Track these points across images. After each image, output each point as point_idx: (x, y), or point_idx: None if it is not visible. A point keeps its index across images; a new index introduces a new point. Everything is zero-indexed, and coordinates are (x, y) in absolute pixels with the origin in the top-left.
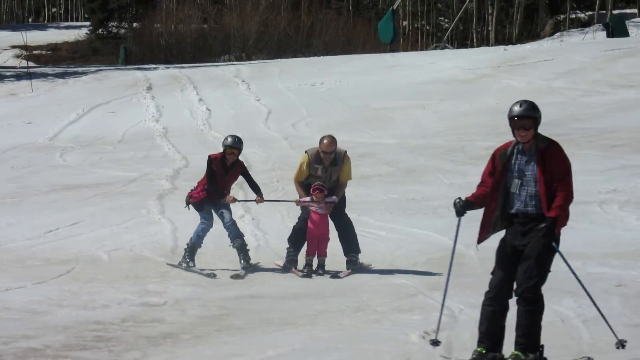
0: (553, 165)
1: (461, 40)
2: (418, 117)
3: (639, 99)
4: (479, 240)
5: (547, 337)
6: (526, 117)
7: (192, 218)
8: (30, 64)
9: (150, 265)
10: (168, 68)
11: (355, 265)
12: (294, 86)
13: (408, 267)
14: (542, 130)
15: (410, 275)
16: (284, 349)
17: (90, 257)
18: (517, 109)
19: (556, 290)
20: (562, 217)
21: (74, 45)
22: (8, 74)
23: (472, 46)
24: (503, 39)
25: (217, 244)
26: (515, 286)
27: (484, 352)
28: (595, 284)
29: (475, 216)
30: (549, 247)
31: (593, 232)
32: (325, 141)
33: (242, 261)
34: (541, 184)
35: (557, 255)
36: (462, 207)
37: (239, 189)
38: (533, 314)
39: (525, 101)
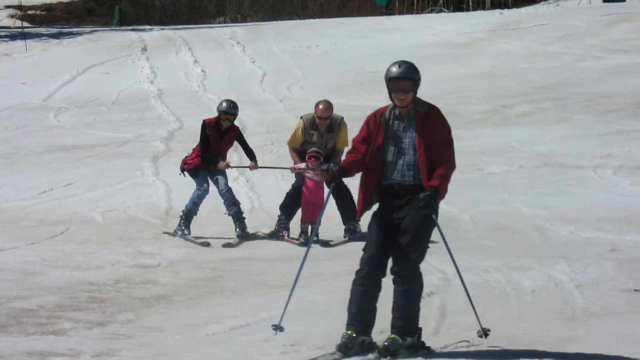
0: (434, 132)
1: (457, 3)
2: None
3: (634, 64)
4: (358, 215)
5: (541, 301)
6: (405, 78)
7: (186, 180)
8: (25, 24)
9: (144, 227)
10: (163, 29)
11: (354, 234)
12: (289, 48)
13: None
14: (539, 94)
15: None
16: (277, 311)
17: (84, 218)
18: (395, 69)
19: (549, 254)
20: (444, 188)
21: (68, 5)
22: (2, 34)
23: (467, 10)
24: (499, 3)
25: (211, 208)
26: (391, 264)
27: (354, 335)
28: (589, 248)
29: (470, 180)
30: (429, 220)
31: (587, 197)
32: (320, 106)
33: (237, 229)
34: (420, 152)
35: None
36: (338, 173)
37: (233, 151)
38: (411, 293)
39: (404, 62)
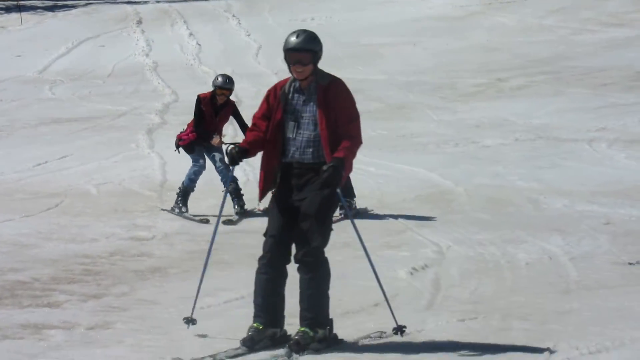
0: (337, 106)
1: None
2: (408, 54)
3: (629, 37)
4: (260, 197)
5: (535, 274)
6: (303, 50)
7: (181, 153)
8: None
9: (139, 199)
10: (158, 2)
11: (350, 211)
12: (284, 21)
13: (396, 204)
14: (534, 67)
15: (398, 211)
16: None
17: (79, 190)
18: (293, 40)
19: (544, 227)
20: (349, 162)
21: None
22: None
23: None
24: None
25: (206, 180)
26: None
27: (260, 327)
28: (583, 221)
29: (465, 152)
30: (331, 201)
31: (582, 170)
32: None
33: (235, 206)
34: (322, 128)
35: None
36: (237, 154)
37: (228, 125)
38: (317, 282)
39: (304, 31)
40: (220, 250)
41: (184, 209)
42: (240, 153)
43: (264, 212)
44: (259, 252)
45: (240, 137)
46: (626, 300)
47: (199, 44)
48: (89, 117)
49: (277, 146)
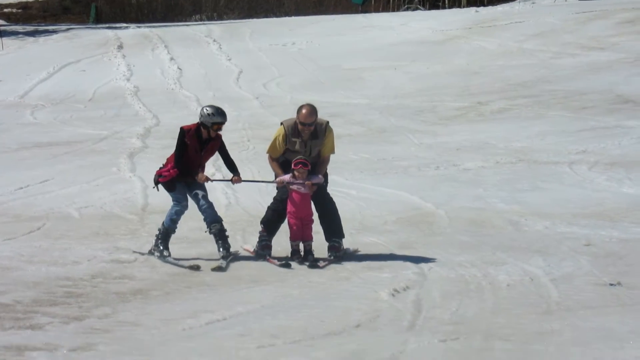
0: None
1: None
2: (389, 78)
3: (610, 61)
4: None
5: (516, 295)
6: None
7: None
8: (1, 22)
9: (121, 222)
10: (139, 27)
11: (338, 252)
12: (265, 46)
13: (378, 226)
14: (514, 91)
15: (380, 234)
16: (254, 305)
17: (61, 214)
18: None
19: (525, 249)
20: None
21: (44, 3)
22: None
23: (443, 7)
24: (475, 1)
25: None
26: None
27: None
28: (564, 243)
29: (446, 175)
30: None
31: (562, 193)
32: (303, 111)
33: (220, 249)
34: None
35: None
36: None
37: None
38: None
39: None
40: (201, 272)
41: (165, 253)
42: None
43: (256, 256)
44: (241, 274)
45: (226, 175)
46: (607, 321)
47: (180, 69)
48: (70, 142)
49: None
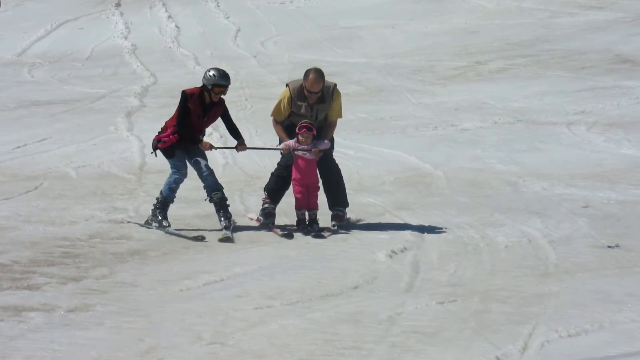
0: None
1: None
2: (387, 37)
3: (608, 20)
4: None
5: (514, 257)
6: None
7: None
8: None
9: (118, 182)
10: None
11: (342, 221)
12: (262, 4)
13: (375, 187)
14: (512, 51)
15: (377, 194)
16: (251, 266)
17: (58, 173)
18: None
19: (523, 210)
20: None
21: None
22: None
23: None
24: None
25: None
26: None
27: None
28: (562, 205)
29: (444, 136)
30: None
31: (561, 154)
32: (310, 77)
33: (222, 219)
34: None
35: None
36: None
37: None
38: None
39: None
40: (199, 233)
41: (165, 223)
42: None
43: (261, 225)
44: (238, 235)
45: (229, 142)
46: (605, 284)
47: (178, 27)
48: (67, 100)
49: None
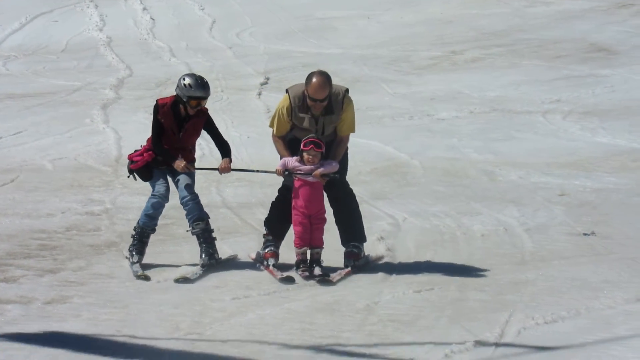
0: None
1: None
2: (362, 27)
3: (584, 9)
4: None
5: (490, 246)
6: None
7: (136, 126)
8: None
9: (94, 174)
10: None
11: (358, 260)
12: None
13: (352, 177)
14: (488, 40)
15: (353, 184)
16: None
17: (34, 166)
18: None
19: (499, 199)
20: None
21: None
22: None
23: None
24: None
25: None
26: None
27: None
28: (538, 193)
29: (420, 125)
30: None
31: (536, 142)
32: (314, 82)
33: (203, 255)
34: None
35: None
36: None
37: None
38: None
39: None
40: (176, 225)
41: (134, 259)
42: None
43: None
44: (217, 225)
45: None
46: (581, 271)
47: (153, 19)
48: (43, 93)
49: None
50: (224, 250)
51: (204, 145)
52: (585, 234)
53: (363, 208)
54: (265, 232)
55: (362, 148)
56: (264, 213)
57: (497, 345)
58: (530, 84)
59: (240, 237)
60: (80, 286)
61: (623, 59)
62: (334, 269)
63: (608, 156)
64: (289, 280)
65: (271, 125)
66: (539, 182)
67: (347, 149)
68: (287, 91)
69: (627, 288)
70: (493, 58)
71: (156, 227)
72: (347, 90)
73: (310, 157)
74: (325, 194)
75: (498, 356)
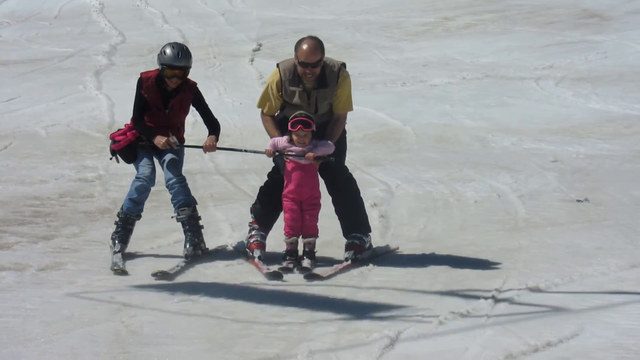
0: None
1: None
2: None
3: None
4: None
5: (483, 212)
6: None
7: (131, 93)
8: None
9: (88, 140)
10: None
11: (360, 253)
12: None
13: None
14: (480, 6)
15: (347, 150)
16: (223, 224)
17: (28, 132)
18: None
19: (492, 165)
20: None
21: None
22: None
23: None
24: None
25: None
26: None
27: None
28: (531, 159)
29: (413, 92)
30: None
31: (529, 108)
32: (304, 46)
33: (187, 245)
34: None
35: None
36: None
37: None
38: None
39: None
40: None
41: (116, 248)
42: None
43: (242, 256)
44: (211, 192)
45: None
46: (574, 237)
47: None
48: (36, 59)
49: None
50: (217, 216)
51: (195, 112)
52: (578, 201)
53: (355, 174)
54: (251, 220)
55: (354, 114)
56: (257, 180)
57: (490, 312)
58: (522, 50)
59: (233, 203)
60: (74, 253)
61: (616, 25)
62: (331, 262)
63: (601, 122)
64: (276, 275)
65: (260, 105)
66: (531, 148)
67: (345, 132)
68: (277, 65)
69: (620, 254)
70: (485, 24)
71: (142, 214)
72: (343, 65)
73: (299, 137)
74: (321, 180)
75: (491, 323)
